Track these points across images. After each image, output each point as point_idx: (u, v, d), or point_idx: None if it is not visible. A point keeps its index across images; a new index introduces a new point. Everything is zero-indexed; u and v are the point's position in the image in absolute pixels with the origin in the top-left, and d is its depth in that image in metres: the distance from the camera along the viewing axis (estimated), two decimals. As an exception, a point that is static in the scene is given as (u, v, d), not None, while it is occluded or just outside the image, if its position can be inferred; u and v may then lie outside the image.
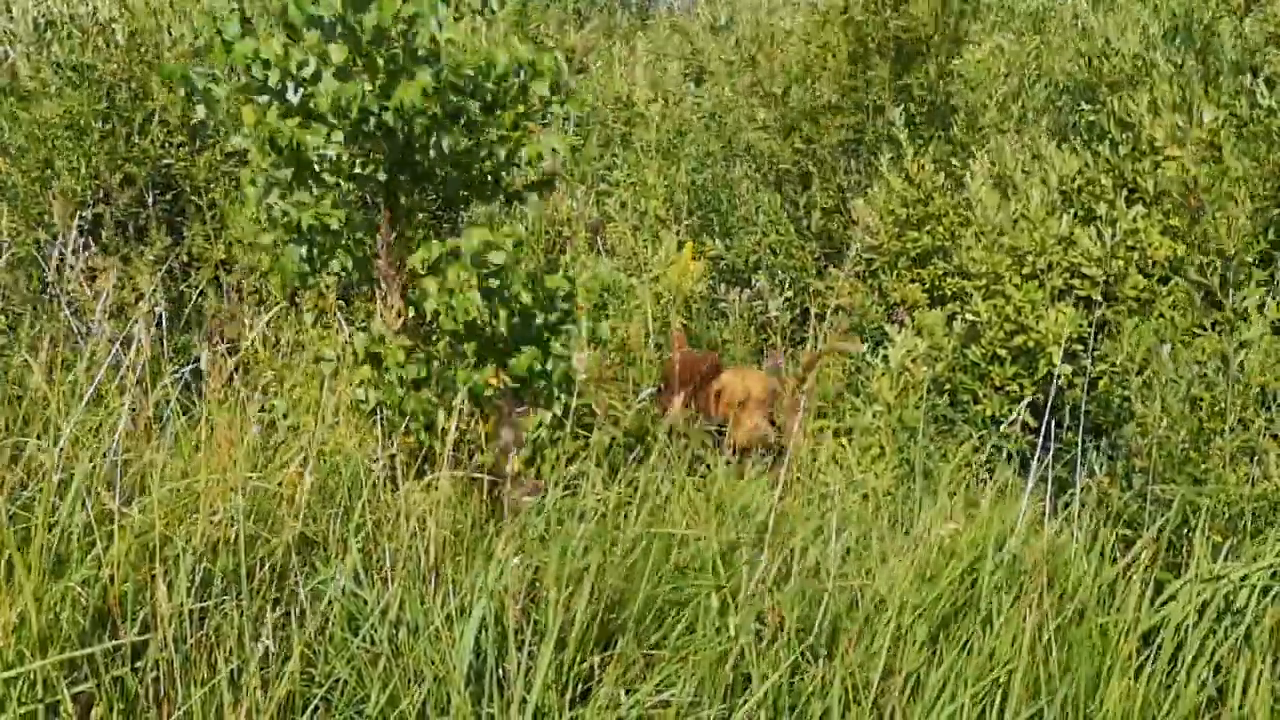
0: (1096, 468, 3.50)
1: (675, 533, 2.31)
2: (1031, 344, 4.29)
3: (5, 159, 4.77)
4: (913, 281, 4.83)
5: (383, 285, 2.72)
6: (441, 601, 1.94)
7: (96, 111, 4.77)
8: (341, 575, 2.01)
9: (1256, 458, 3.12)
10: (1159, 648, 2.22)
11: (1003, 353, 4.33)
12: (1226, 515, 2.91)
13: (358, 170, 2.72)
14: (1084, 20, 5.70)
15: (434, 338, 2.84)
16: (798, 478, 3.00)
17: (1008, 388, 4.29)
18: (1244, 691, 2.18)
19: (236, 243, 4.56)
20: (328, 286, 4.05)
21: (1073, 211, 4.48)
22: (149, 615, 1.82)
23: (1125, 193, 4.50)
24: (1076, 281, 4.40)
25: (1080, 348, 4.25)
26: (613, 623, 2.08)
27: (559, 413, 2.64)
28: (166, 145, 4.92)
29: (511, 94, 2.66)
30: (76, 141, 4.73)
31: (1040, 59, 5.56)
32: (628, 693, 1.91)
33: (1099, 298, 4.30)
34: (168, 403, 2.40)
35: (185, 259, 4.73)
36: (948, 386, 4.27)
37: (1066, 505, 2.73)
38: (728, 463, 3.22)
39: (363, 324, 2.84)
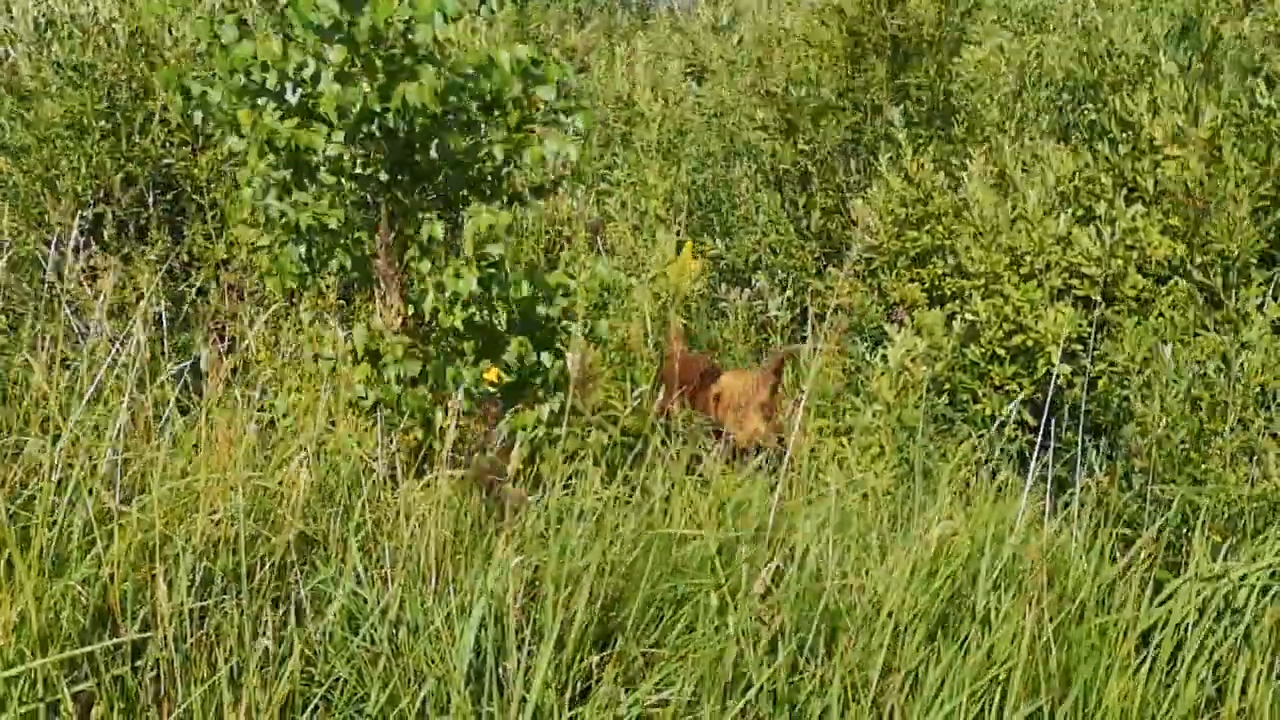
0: (1096, 467, 3.50)
1: (674, 532, 2.31)
2: (1030, 344, 4.29)
3: (6, 159, 4.77)
4: (912, 281, 4.84)
5: (382, 285, 2.72)
6: (441, 601, 1.94)
7: (98, 111, 4.77)
8: (342, 575, 2.01)
9: (1256, 457, 3.12)
10: (1158, 647, 2.22)
11: (1002, 352, 4.34)
12: (1226, 515, 2.91)
13: (358, 170, 2.72)
14: (1084, 19, 5.70)
15: (433, 337, 2.84)
16: (797, 477, 3.00)
17: (1007, 387, 4.29)
18: (1243, 691, 2.18)
19: (237, 242, 4.57)
20: (328, 286, 4.06)
21: (1071, 211, 4.48)
22: (149, 614, 1.82)
23: (1125, 192, 4.50)
24: (1075, 281, 4.40)
25: (1079, 347, 4.25)
26: (612, 621, 2.08)
27: (555, 409, 2.64)
28: (167, 145, 4.92)
29: (512, 95, 2.66)
30: (77, 141, 4.73)
31: (1040, 58, 5.56)
32: (627, 691, 1.91)
33: (1098, 297, 4.31)
34: (167, 402, 2.40)
35: (186, 258, 4.73)
36: (947, 386, 4.27)
37: (1066, 505, 2.74)
38: (727, 462, 3.22)
39: (362, 322, 2.84)
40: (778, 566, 2.13)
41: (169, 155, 4.90)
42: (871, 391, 3.79)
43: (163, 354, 2.85)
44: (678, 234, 5.52)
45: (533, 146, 2.65)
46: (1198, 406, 3.36)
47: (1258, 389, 3.37)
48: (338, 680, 1.89)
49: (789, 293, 5.17)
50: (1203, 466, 3.19)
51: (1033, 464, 2.66)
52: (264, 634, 1.81)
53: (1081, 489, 2.78)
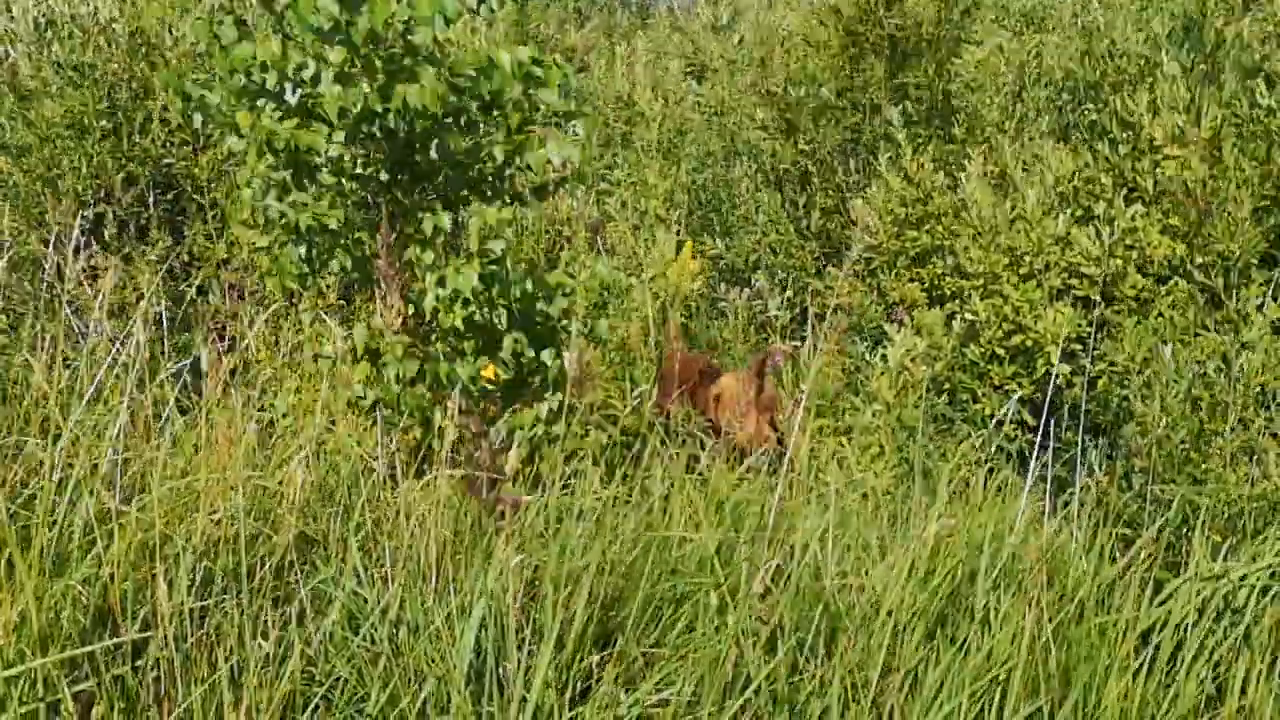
0: (1096, 467, 3.51)
1: (674, 534, 2.31)
2: (1030, 344, 4.29)
3: (7, 159, 4.78)
4: (912, 281, 4.84)
5: (383, 285, 2.72)
6: (442, 601, 1.94)
7: (99, 111, 4.77)
8: (342, 575, 2.01)
9: (1256, 457, 3.12)
10: (1158, 647, 2.22)
11: (1001, 352, 4.34)
12: (1226, 515, 2.91)
13: (358, 170, 2.73)
14: (1083, 19, 5.70)
15: (433, 337, 2.84)
16: (797, 478, 3.00)
17: (1007, 387, 4.29)
18: (1243, 690, 2.18)
19: (237, 242, 4.57)
20: (328, 286, 4.06)
21: (1070, 211, 4.49)
22: (149, 614, 1.82)
23: (1125, 192, 4.50)
24: (1075, 281, 4.40)
25: (1079, 347, 4.25)
26: (612, 621, 2.09)
27: (553, 407, 2.64)
28: (168, 145, 4.92)
29: (513, 97, 2.66)
30: (78, 141, 4.73)
31: (1040, 58, 5.56)
32: (627, 691, 1.91)
33: (1097, 297, 4.31)
34: (167, 402, 2.40)
35: (186, 258, 4.73)
36: (946, 386, 4.28)
37: (1066, 505, 2.74)
38: (726, 461, 3.22)
39: (363, 321, 2.84)
40: (777, 566, 2.13)
41: (169, 155, 4.90)
42: (871, 391, 3.80)
43: (163, 354, 2.85)
44: (678, 234, 5.52)
45: (535, 149, 2.65)
46: (1198, 406, 3.36)
47: (1258, 389, 3.37)
48: (338, 680, 1.89)
49: (789, 292, 5.18)
50: (1203, 466, 3.19)
51: (1032, 464, 2.66)
52: (264, 634, 1.81)
53: (1081, 489, 2.78)
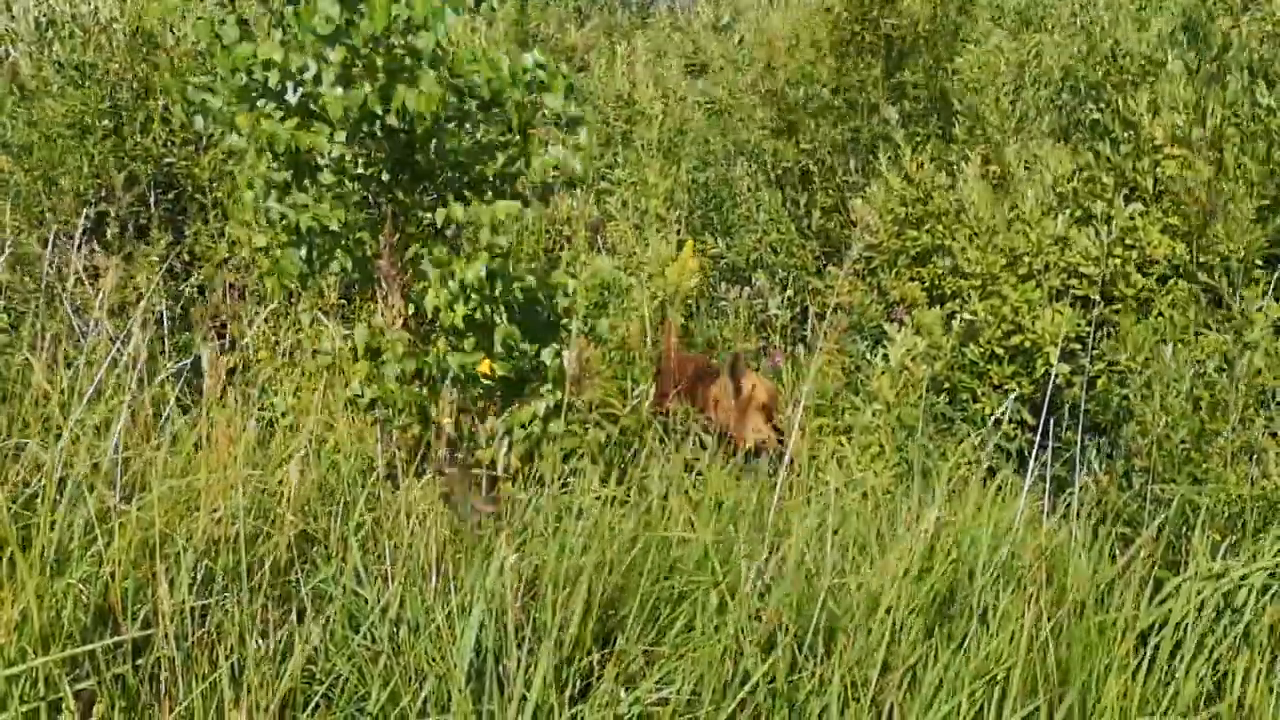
0: (1096, 466, 3.51)
1: (673, 534, 2.32)
2: (1029, 344, 4.30)
3: (8, 158, 4.78)
4: (912, 280, 4.84)
5: (383, 285, 2.72)
6: (442, 599, 1.94)
7: (101, 110, 4.78)
8: (342, 574, 2.01)
9: (1255, 456, 3.12)
10: (1158, 646, 2.22)
11: (1000, 351, 4.34)
12: (1226, 514, 2.91)
13: (360, 170, 2.72)
14: (1082, 19, 5.70)
15: (434, 337, 2.84)
16: (797, 478, 3.01)
17: (1006, 386, 4.30)
18: (1242, 689, 2.18)
19: (238, 241, 4.57)
20: (329, 286, 4.06)
21: (1069, 211, 4.49)
22: (150, 612, 1.83)
23: (1126, 191, 4.51)
24: (1074, 282, 4.41)
25: (1078, 347, 4.25)
26: (611, 620, 2.09)
27: (551, 405, 2.64)
28: (169, 144, 4.93)
29: (515, 99, 2.66)
30: (80, 140, 4.74)
31: (1040, 57, 5.56)
32: (627, 690, 1.92)
33: (1096, 297, 4.31)
34: (167, 401, 2.40)
35: (187, 258, 4.74)
36: (946, 385, 4.28)
37: (1066, 504, 2.74)
38: (726, 461, 3.22)
39: (363, 321, 2.84)
40: (777, 564, 2.13)
41: (170, 154, 4.91)
42: (872, 390, 3.80)
43: (163, 353, 2.85)
44: (678, 233, 5.53)
45: (540, 156, 2.65)
46: (1198, 406, 3.36)
47: (1259, 389, 3.37)
48: (339, 678, 1.90)
49: (789, 291, 5.18)
50: (1203, 466, 3.20)
51: (1032, 463, 2.66)
52: (265, 632, 1.81)
53: (1081, 488, 2.78)
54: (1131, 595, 2.29)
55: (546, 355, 2.74)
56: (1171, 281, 4.32)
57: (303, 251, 2.71)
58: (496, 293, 2.61)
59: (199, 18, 2.49)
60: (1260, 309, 3.50)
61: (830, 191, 5.91)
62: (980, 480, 2.86)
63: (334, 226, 2.64)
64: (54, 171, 4.68)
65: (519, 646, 1.85)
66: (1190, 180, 4.26)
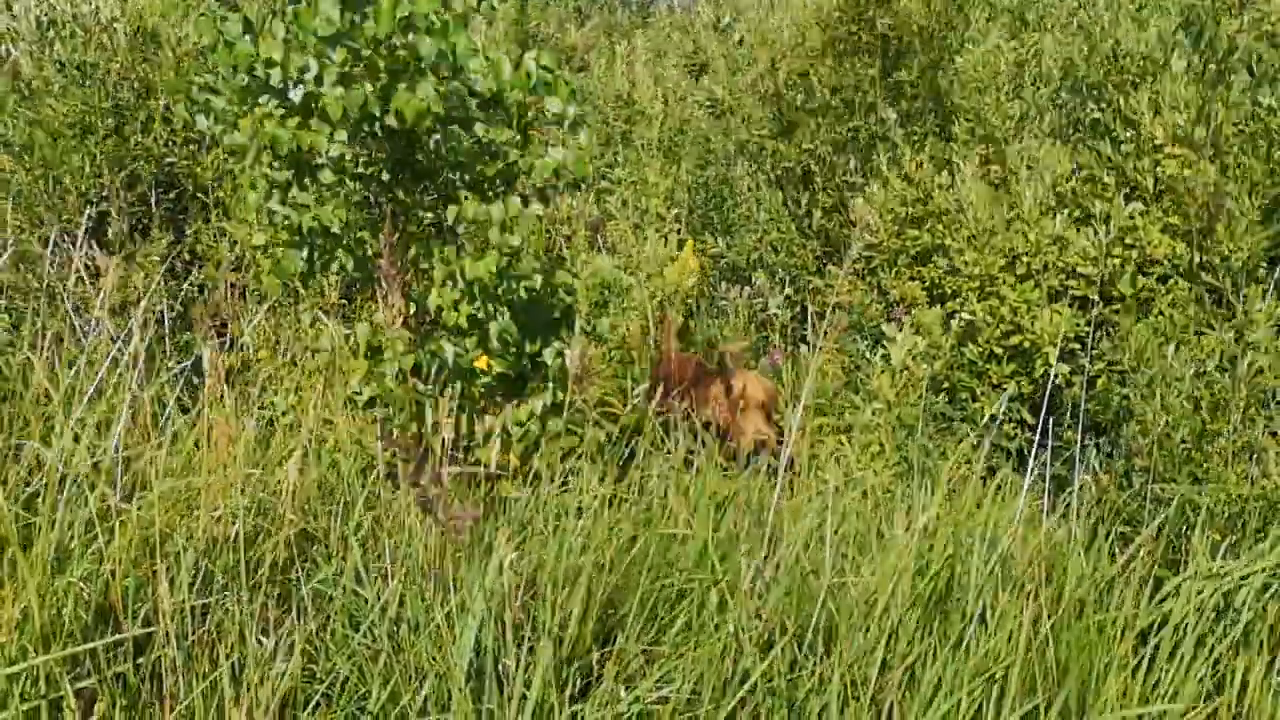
0: (1096, 466, 3.51)
1: (674, 532, 2.32)
2: (1028, 344, 4.30)
3: (9, 157, 4.78)
4: (912, 279, 4.84)
5: (384, 284, 2.72)
6: (442, 598, 1.95)
7: (103, 110, 4.78)
8: (342, 573, 2.02)
9: (1255, 456, 3.12)
10: (1157, 645, 2.22)
11: (999, 351, 4.34)
12: (1226, 514, 2.91)
13: (360, 170, 2.73)
14: (1079, 18, 5.70)
15: (435, 336, 2.84)
16: (797, 477, 3.01)
17: (1004, 386, 4.30)
18: (1242, 689, 2.18)
19: (239, 241, 4.58)
20: (330, 286, 4.07)
21: (1067, 211, 4.49)
22: (150, 611, 1.83)
23: (1126, 190, 4.50)
24: (1073, 282, 4.41)
25: (1077, 346, 4.25)
26: (611, 619, 2.09)
27: (548, 403, 2.64)
28: (170, 144, 4.93)
29: (516, 99, 2.66)
30: (81, 140, 4.74)
31: (1039, 57, 5.56)
32: (627, 689, 1.92)
33: (1095, 297, 4.31)
34: (165, 403, 2.41)
35: (188, 257, 4.74)
36: (945, 385, 4.28)
37: (1066, 503, 2.74)
38: (726, 460, 3.23)
39: (364, 320, 2.84)
40: (775, 562, 2.14)
41: (171, 154, 4.91)
42: (872, 390, 3.80)
43: (164, 353, 2.86)
44: (678, 233, 5.53)
45: (543, 159, 2.65)
46: (1199, 406, 3.36)
47: (1260, 389, 3.37)
48: (339, 677, 1.90)
49: (789, 291, 5.18)
50: (1204, 465, 3.19)
51: (1031, 462, 2.66)
52: (265, 631, 1.81)
53: (1080, 487, 2.78)
54: (1131, 595, 2.30)
55: (548, 354, 2.74)
56: (1172, 281, 4.32)
57: (304, 252, 2.71)
58: (499, 291, 2.62)
59: (200, 15, 2.49)
60: (1260, 309, 3.50)
61: (830, 191, 5.91)
62: (979, 479, 2.86)
63: (335, 228, 2.64)
64: (56, 171, 4.68)
65: (519, 645, 1.85)
66: (1192, 180, 4.26)
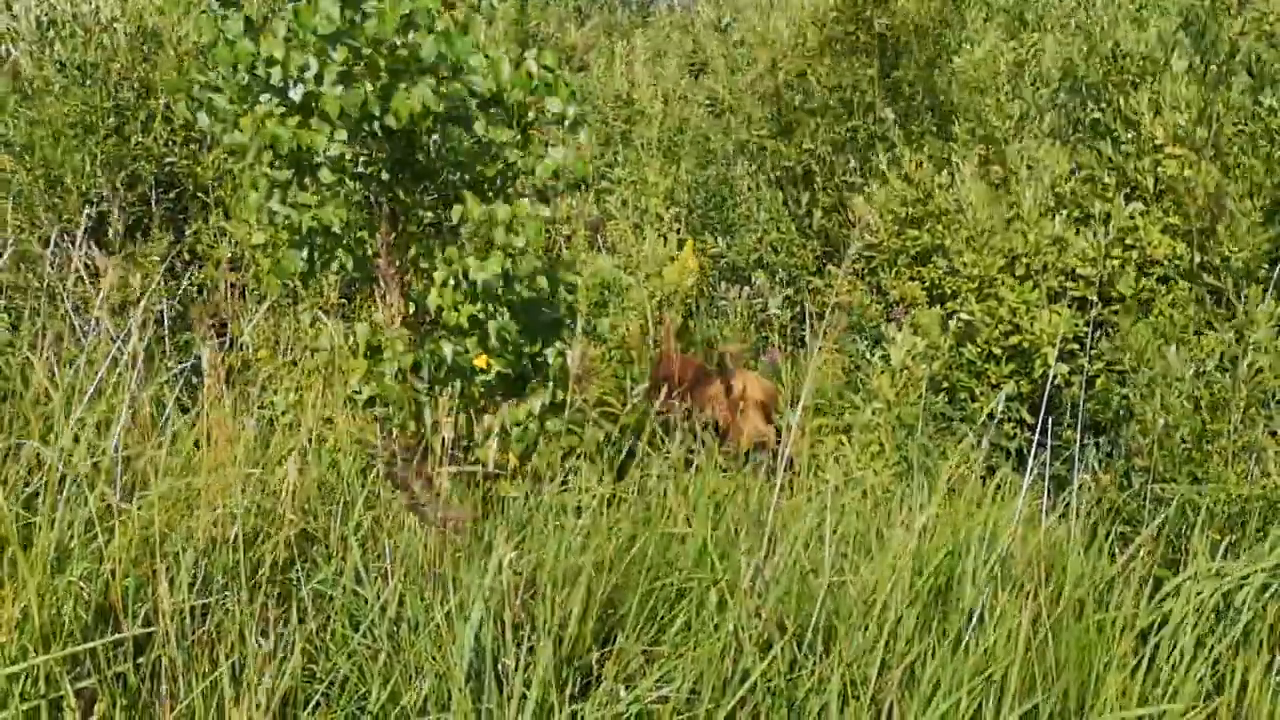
0: (1096, 465, 3.51)
1: (673, 531, 2.32)
2: (1026, 344, 4.30)
3: (10, 157, 4.78)
4: (912, 279, 4.84)
5: (382, 284, 2.72)
6: (441, 598, 1.95)
7: (104, 110, 4.79)
8: (342, 573, 2.02)
9: (1255, 455, 3.12)
10: (1157, 645, 2.22)
11: (998, 351, 4.34)
12: (1226, 514, 2.91)
13: (360, 169, 2.73)
14: (1077, 18, 5.69)
15: (435, 336, 2.84)
16: (796, 477, 3.01)
17: (1003, 385, 4.30)
18: (1242, 688, 2.18)
19: (239, 241, 4.58)
20: (329, 285, 4.07)
21: (1067, 212, 4.49)
22: (150, 611, 1.83)
23: (1127, 190, 4.50)
24: (1072, 283, 4.41)
25: (1076, 346, 4.25)
26: (610, 618, 2.09)
27: (546, 402, 2.64)
28: (170, 144, 4.93)
29: (516, 99, 2.66)
30: (82, 140, 4.74)
31: (1037, 57, 5.56)
32: (627, 688, 1.92)
33: (1094, 298, 4.31)
34: (165, 403, 2.41)
35: (188, 257, 4.74)
36: (945, 385, 4.28)
37: (1067, 503, 2.74)
38: (725, 459, 3.23)
39: (364, 319, 2.84)
40: (776, 562, 2.14)
41: (171, 154, 4.91)
42: (872, 389, 3.80)
43: (163, 352, 2.86)
44: (678, 232, 5.53)
45: (544, 160, 2.65)
46: (1199, 406, 3.36)
47: (1260, 389, 3.37)
48: (339, 677, 1.90)
49: (789, 291, 5.18)
50: (1204, 465, 3.19)
51: (1030, 461, 2.66)
52: (265, 631, 1.81)
53: (1080, 486, 2.78)
54: (1131, 595, 2.30)
55: (550, 354, 2.74)
56: (1172, 281, 4.32)
57: (304, 251, 2.71)
58: (501, 292, 2.61)
59: (201, 12, 2.49)
60: (1261, 309, 3.50)
61: (830, 191, 5.91)
62: (979, 479, 2.86)
63: (335, 228, 2.64)
64: (57, 170, 4.69)
65: (518, 645, 1.85)
66: (1193, 180, 4.26)
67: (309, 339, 3.47)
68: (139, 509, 1.97)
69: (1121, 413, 3.89)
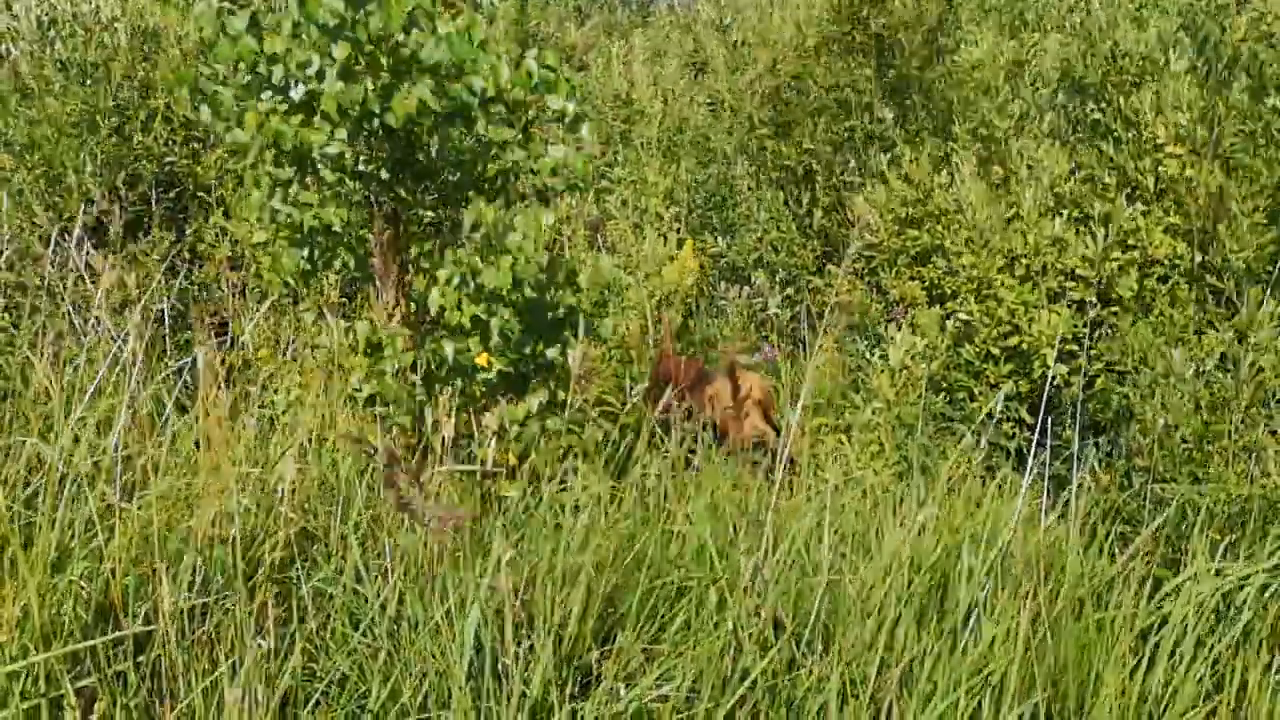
0: (1096, 465, 3.51)
1: (673, 529, 2.32)
2: (1025, 345, 4.30)
3: (10, 156, 4.79)
4: (912, 279, 4.85)
5: (379, 282, 2.72)
6: (441, 597, 1.95)
7: (104, 109, 4.79)
8: (342, 572, 2.02)
9: (1256, 455, 3.12)
10: (1157, 645, 2.22)
11: (997, 352, 4.34)
12: (1226, 514, 2.91)
13: (360, 168, 2.73)
14: (1074, 18, 5.69)
15: (436, 335, 2.84)
16: (796, 477, 3.01)
17: (1001, 385, 4.30)
18: (1242, 688, 2.18)
19: (240, 240, 4.58)
20: (330, 284, 4.07)
21: (1066, 212, 4.49)
22: (151, 610, 1.83)
23: (1128, 190, 4.50)
24: (1071, 284, 4.41)
25: (1075, 347, 4.25)
26: (610, 617, 2.09)
27: (544, 401, 2.64)
28: (170, 143, 4.93)
29: (516, 99, 2.66)
30: (83, 139, 4.75)
31: (1036, 58, 5.57)
32: (627, 686, 1.92)
33: (1093, 298, 4.31)
34: (165, 402, 2.41)
35: (188, 256, 4.74)
36: (944, 385, 4.28)
37: (1067, 502, 2.74)
38: (725, 458, 3.23)
39: (365, 318, 2.84)
40: (775, 561, 2.14)
41: (172, 154, 4.92)
42: (872, 389, 3.80)
43: (164, 351, 2.86)
44: (677, 232, 5.53)
45: (545, 158, 2.65)
46: (1199, 406, 3.36)
47: (1261, 388, 3.36)
48: (339, 675, 1.90)
49: (789, 291, 5.18)
50: (1204, 466, 3.19)
51: (1030, 461, 2.66)
52: (265, 630, 1.81)
53: (1079, 486, 2.78)
54: (1130, 594, 2.30)
55: (552, 353, 2.74)
56: (1172, 282, 4.32)
57: (305, 250, 2.71)
58: (509, 294, 2.61)
59: (204, 7, 2.48)
60: (1263, 309, 3.50)
61: (830, 190, 5.91)
62: (979, 478, 2.86)
63: (336, 226, 2.64)
64: (57, 170, 4.69)
65: (518, 643, 1.85)
66: (1194, 180, 4.26)
67: (310, 337, 3.47)
68: (139, 508, 1.97)
69: (1121, 413, 3.89)
